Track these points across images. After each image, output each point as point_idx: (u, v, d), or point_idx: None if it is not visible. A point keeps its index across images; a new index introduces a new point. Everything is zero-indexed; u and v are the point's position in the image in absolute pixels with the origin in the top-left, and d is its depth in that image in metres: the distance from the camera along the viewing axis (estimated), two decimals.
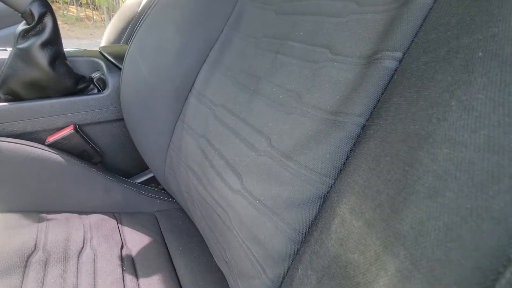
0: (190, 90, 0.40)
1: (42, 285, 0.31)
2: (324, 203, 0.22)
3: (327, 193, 0.22)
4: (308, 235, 0.22)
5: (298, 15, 0.29)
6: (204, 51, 0.39)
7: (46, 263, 0.33)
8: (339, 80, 0.23)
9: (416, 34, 0.20)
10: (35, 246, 0.34)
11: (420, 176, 0.14)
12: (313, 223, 0.22)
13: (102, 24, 5.15)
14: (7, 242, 0.33)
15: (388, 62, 0.21)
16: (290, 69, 0.28)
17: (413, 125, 0.16)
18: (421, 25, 0.20)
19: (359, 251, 0.15)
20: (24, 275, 0.31)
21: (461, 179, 0.12)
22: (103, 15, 5.26)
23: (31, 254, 0.33)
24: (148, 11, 0.42)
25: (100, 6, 5.20)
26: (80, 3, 5.68)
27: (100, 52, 0.61)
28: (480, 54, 0.14)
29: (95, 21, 5.22)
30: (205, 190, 0.33)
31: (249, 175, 0.27)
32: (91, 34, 4.38)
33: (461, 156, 0.12)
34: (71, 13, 5.17)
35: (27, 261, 0.32)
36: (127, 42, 0.82)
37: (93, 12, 5.38)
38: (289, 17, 0.30)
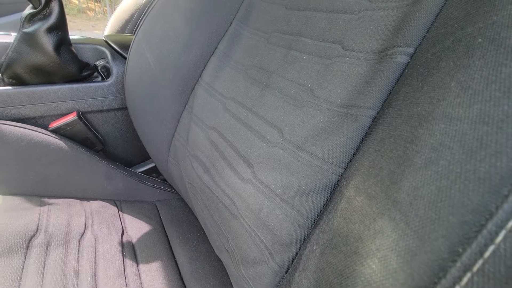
0: (197, 81, 0.40)
1: (44, 267, 0.31)
2: (333, 190, 0.22)
3: (337, 181, 0.22)
4: (317, 220, 0.22)
5: (310, 11, 0.29)
6: (212, 43, 0.39)
7: (47, 246, 0.33)
8: (351, 75, 0.24)
9: (428, 30, 0.20)
10: (37, 229, 0.34)
11: (419, 150, 0.15)
12: (323, 209, 0.22)
13: (104, 17, 5.11)
14: (9, 223, 0.33)
15: (400, 58, 0.21)
16: (302, 64, 0.28)
17: (416, 108, 0.17)
18: (433, 21, 0.20)
19: (359, 221, 0.16)
20: (26, 256, 0.31)
21: (454, 148, 0.13)
22: (105, 7, 5.22)
23: (33, 236, 0.33)
24: (156, 0, 0.42)
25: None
26: None
27: (105, 41, 0.61)
28: (480, 40, 0.15)
29: (96, 13, 5.18)
30: (211, 180, 0.33)
31: (260, 165, 0.28)
32: (92, 26, 4.35)
33: (456, 129, 0.14)
34: (73, 4, 5.13)
35: (29, 242, 0.32)
36: (131, 33, 0.82)
37: (95, 4, 5.34)
38: (300, 13, 0.30)
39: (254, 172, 0.28)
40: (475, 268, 0.11)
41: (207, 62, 0.40)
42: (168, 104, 0.42)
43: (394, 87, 0.21)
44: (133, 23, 0.84)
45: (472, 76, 0.14)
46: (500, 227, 0.11)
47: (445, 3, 0.21)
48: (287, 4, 0.33)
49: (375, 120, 0.21)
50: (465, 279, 0.11)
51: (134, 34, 0.82)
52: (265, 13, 0.35)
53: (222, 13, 0.39)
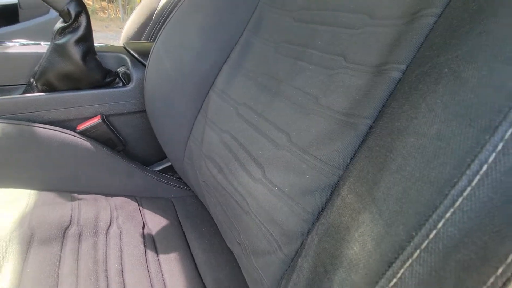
0: (211, 87, 0.44)
1: (78, 254, 0.35)
2: (333, 190, 0.25)
3: (337, 182, 0.25)
4: (319, 215, 0.26)
5: (316, 24, 0.32)
6: (225, 52, 0.43)
7: (80, 236, 0.37)
8: (351, 86, 0.27)
9: (418, 50, 0.23)
10: (71, 221, 0.38)
11: (394, 158, 0.18)
12: (324, 206, 0.25)
13: (117, 17, 5.22)
14: (47, 215, 0.38)
15: (394, 73, 0.24)
16: (308, 74, 0.31)
17: (397, 122, 0.20)
18: (423, 42, 0.23)
19: (348, 215, 0.20)
20: (62, 245, 0.35)
21: (417, 158, 0.17)
22: (118, 8, 5.33)
23: (68, 227, 0.38)
24: (173, 12, 0.46)
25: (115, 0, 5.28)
26: None
27: (125, 48, 0.65)
28: (446, 70, 0.18)
29: (110, 14, 5.31)
30: (225, 179, 0.37)
31: (270, 166, 0.31)
32: (106, 26, 4.46)
33: (420, 143, 0.17)
34: (87, 5, 5.27)
35: (64, 233, 0.37)
36: (147, 39, 0.86)
37: (108, 4, 5.46)
38: (307, 25, 0.33)
39: (264, 172, 0.32)
40: (423, 246, 0.15)
41: (220, 69, 0.43)
42: (184, 108, 0.46)
43: (387, 99, 0.24)
44: (149, 30, 0.88)
45: (436, 100, 0.18)
46: (441, 217, 0.15)
47: (433, 26, 0.23)
48: (295, 17, 0.36)
49: (370, 128, 0.24)
50: (415, 254, 0.15)
51: (150, 40, 0.86)
52: (274, 24, 0.39)
53: (234, 24, 0.43)
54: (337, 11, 0.31)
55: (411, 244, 0.15)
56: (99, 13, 5.19)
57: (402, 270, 0.15)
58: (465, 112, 0.16)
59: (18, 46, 0.55)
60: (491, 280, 0.13)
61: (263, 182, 0.31)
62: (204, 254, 0.43)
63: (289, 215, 0.28)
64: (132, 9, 5.51)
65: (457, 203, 0.14)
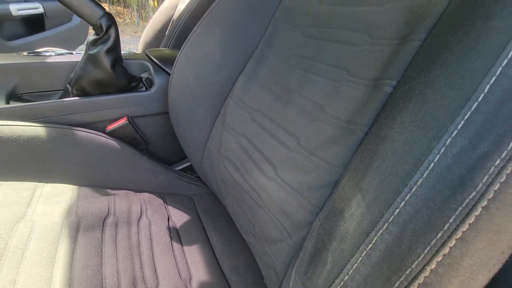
0: (228, 95, 0.48)
1: (115, 240, 0.40)
2: (335, 185, 0.29)
3: (338, 179, 0.29)
4: (323, 207, 0.29)
5: (323, 41, 0.36)
6: (241, 63, 0.47)
7: (116, 225, 0.42)
8: (353, 97, 0.30)
9: (405, 70, 0.27)
10: (108, 212, 0.43)
11: (376, 159, 0.23)
12: (327, 199, 0.29)
13: (132, 21, 5.38)
14: (88, 207, 0.43)
15: (387, 88, 0.28)
16: (316, 85, 0.35)
17: (382, 131, 0.24)
18: (409, 63, 0.27)
19: (343, 202, 0.25)
20: (102, 232, 0.40)
21: (390, 159, 0.22)
22: (133, 13, 5.49)
23: (106, 217, 0.43)
24: (196, 28, 0.50)
25: (130, 4, 5.43)
26: (112, 0, 5.94)
27: (147, 55, 0.71)
28: (416, 92, 0.22)
29: (125, 19, 5.47)
30: (241, 178, 0.41)
31: (281, 166, 0.35)
32: (121, 31, 4.62)
33: (394, 148, 0.22)
34: None
35: (103, 222, 0.42)
36: (166, 46, 0.91)
37: (124, 9, 5.63)
38: (315, 41, 0.37)
39: (277, 171, 0.35)
40: (390, 220, 0.20)
41: (237, 79, 0.47)
42: (204, 114, 0.50)
43: (380, 110, 0.28)
44: (166, 37, 0.93)
45: (407, 115, 0.22)
46: (403, 199, 0.20)
47: (418, 49, 0.27)
48: (304, 33, 0.39)
49: (366, 134, 0.28)
50: (385, 226, 0.20)
51: (168, 46, 0.91)
52: (286, 38, 0.42)
53: (250, 37, 0.47)
54: (341, 29, 0.34)
55: (382, 219, 0.20)
56: (115, 18, 5.37)
57: (375, 238, 0.20)
58: (423, 125, 0.20)
59: (54, 56, 0.61)
60: (433, 242, 0.18)
61: (275, 179, 0.35)
62: (222, 244, 0.47)
63: (297, 208, 0.31)
64: (146, 14, 5.66)
65: (413, 190, 0.19)
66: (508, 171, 0.16)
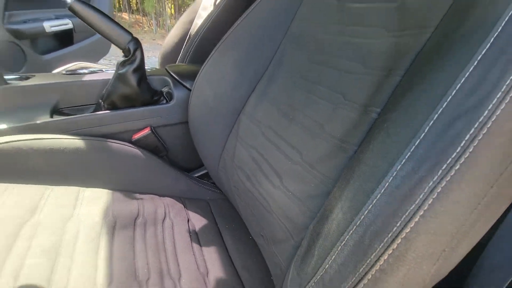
0: (241, 111, 0.53)
1: (145, 238, 0.46)
2: (329, 194, 0.34)
3: (332, 188, 0.34)
4: (317, 213, 0.34)
5: (324, 66, 0.41)
6: (253, 83, 0.52)
7: (145, 225, 0.48)
8: (347, 119, 0.35)
9: (387, 101, 0.32)
10: (138, 213, 0.50)
11: (353, 176, 0.28)
12: (323, 205, 0.34)
13: (150, 29, 5.60)
14: (122, 209, 0.49)
15: (374, 114, 0.32)
16: (317, 106, 0.40)
17: (360, 154, 0.30)
18: (390, 96, 0.32)
19: (329, 209, 0.31)
20: (134, 230, 0.47)
21: (361, 177, 0.27)
22: (151, 21, 5.70)
23: (136, 217, 0.49)
24: (214, 51, 0.57)
25: (149, 13, 5.65)
26: (132, 10, 6.19)
27: (167, 71, 0.77)
28: (385, 125, 0.28)
29: (143, 27, 5.70)
30: (252, 186, 0.46)
31: (286, 177, 0.40)
32: (141, 39, 4.82)
33: (364, 169, 0.27)
34: (124, 20, 5.69)
35: (134, 222, 0.48)
36: (183, 60, 0.98)
37: (143, 18, 5.86)
38: (318, 66, 0.42)
39: (282, 181, 0.40)
40: (357, 224, 0.26)
41: (249, 97, 0.53)
42: (220, 128, 0.56)
43: (366, 133, 0.33)
44: (183, 52, 1.00)
45: (376, 145, 0.28)
46: (367, 209, 0.25)
47: (398, 84, 0.32)
48: (309, 57, 0.44)
49: (354, 153, 0.33)
50: (353, 229, 0.26)
51: (185, 61, 0.98)
52: (293, 61, 0.47)
53: (262, 60, 0.52)
54: (340, 57, 0.39)
55: (352, 223, 0.26)
56: (134, 26, 5.60)
57: (347, 237, 0.26)
58: (385, 154, 0.26)
59: (88, 74, 0.68)
60: (385, 239, 0.23)
61: (281, 188, 0.40)
62: (234, 244, 0.52)
63: (299, 213, 0.36)
64: (164, 21, 5.87)
65: (374, 202, 0.25)
66: (439, 190, 0.21)
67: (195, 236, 0.51)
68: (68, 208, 0.47)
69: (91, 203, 0.49)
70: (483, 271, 0.31)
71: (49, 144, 0.52)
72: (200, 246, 0.50)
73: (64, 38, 1.52)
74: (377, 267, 0.23)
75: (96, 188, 0.53)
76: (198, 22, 1.15)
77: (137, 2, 5.99)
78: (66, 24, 1.49)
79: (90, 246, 0.42)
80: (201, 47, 0.93)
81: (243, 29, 0.54)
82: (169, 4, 6.34)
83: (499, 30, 0.21)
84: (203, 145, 0.62)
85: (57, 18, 1.46)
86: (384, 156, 0.25)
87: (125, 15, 5.94)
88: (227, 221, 0.59)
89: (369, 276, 0.24)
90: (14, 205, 0.44)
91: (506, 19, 0.21)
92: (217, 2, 1.06)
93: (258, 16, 0.54)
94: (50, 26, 1.40)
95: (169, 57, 1.24)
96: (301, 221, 0.36)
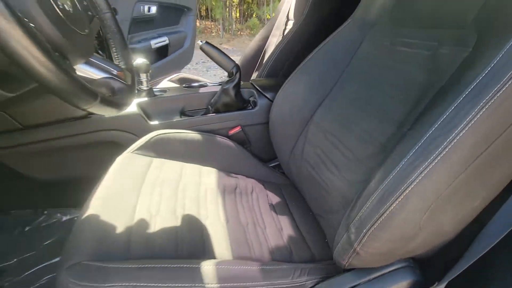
0: (309, 121, 0.74)
1: (242, 202, 0.70)
2: (369, 179, 0.51)
3: (371, 176, 0.51)
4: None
5: (374, 90, 0.60)
6: (320, 100, 0.72)
7: (241, 194, 0.72)
8: (388, 129, 0.52)
9: (415, 120, 0.48)
10: (236, 186, 0.74)
11: (388, 160, 0.45)
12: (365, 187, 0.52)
13: (218, 34, 6.14)
14: (227, 182, 0.74)
15: (405, 129, 0.49)
16: (367, 119, 0.58)
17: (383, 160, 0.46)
18: (418, 116, 0.48)
19: (372, 180, 0.46)
20: (235, 196, 0.71)
21: (395, 159, 0.43)
22: (218, 26, 6.24)
23: (235, 188, 0.73)
24: (292, 75, 0.78)
25: (216, 19, 6.20)
26: (202, 16, 6.82)
27: (252, 84, 1.02)
28: (404, 139, 0.45)
29: (211, 32, 6.28)
30: (316, 174, 0.66)
31: (343, 168, 0.59)
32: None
33: (380, 175, 0.43)
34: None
35: (234, 191, 0.72)
36: (261, 73, 1.22)
37: (212, 23, 6.45)
38: (370, 90, 0.60)
39: (340, 171, 0.59)
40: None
41: (316, 110, 0.73)
42: (292, 132, 0.77)
43: (398, 141, 0.49)
44: (261, 68, 1.23)
45: (395, 155, 0.45)
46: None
47: (422, 111, 0.48)
48: (363, 83, 0.62)
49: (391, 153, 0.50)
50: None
51: (262, 76, 1.22)
52: (351, 86, 0.66)
53: (328, 83, 0.71)
54: (386, 85, 0.57)
55: (382, 184, 0.41)
56: (204, 32, 6.22)
57: (379, 191, 0.41)
58: (401, 154, 0.43)
59: (200, 87, 0.97)
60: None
61: (338, 176, 0.59)
62: (301, 218, 0.72)
63: (349, 193, 0.55)
64: (230, 25, 6.38)
65: (393, 175, 0.40)
66: (426, 172, 0.38)
67: (272, 207, 0.74)
68: (198, 177, 0.74)
69: (208, 176, 0.75)
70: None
71: (181, 136, 0.80)
72: (276, 213, 0.72)
73: (162, 52, 1.92)
74: (389, 211, 0.39)
75: (209, 167, 0.79)
76: (273, 40, 1.38)
77: (206, 9, 6.61)
78: (164, 41, 1.88)
79: (214, 201, 0.67)
80: (276, 63, 1.16)
81: (316, 59, 0.74)
82: (235, 9, 6.80)
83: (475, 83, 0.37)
84: (279, 143, 0.84)
85: (159, 36, 1.86)
86: (400, 155, 0.42)
87: (196, 22, 6.60)
88: (294, 200, 0.80)
89: (384, 216, 0.40)
90: (169, 172, 0.72)
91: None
92: (288, 28, 1.28)
93: (329, 49, 0.73)
94: (155, 43, 1.79)
95: (247, 67, 1.50)
96: (350, 197, 0.54)
